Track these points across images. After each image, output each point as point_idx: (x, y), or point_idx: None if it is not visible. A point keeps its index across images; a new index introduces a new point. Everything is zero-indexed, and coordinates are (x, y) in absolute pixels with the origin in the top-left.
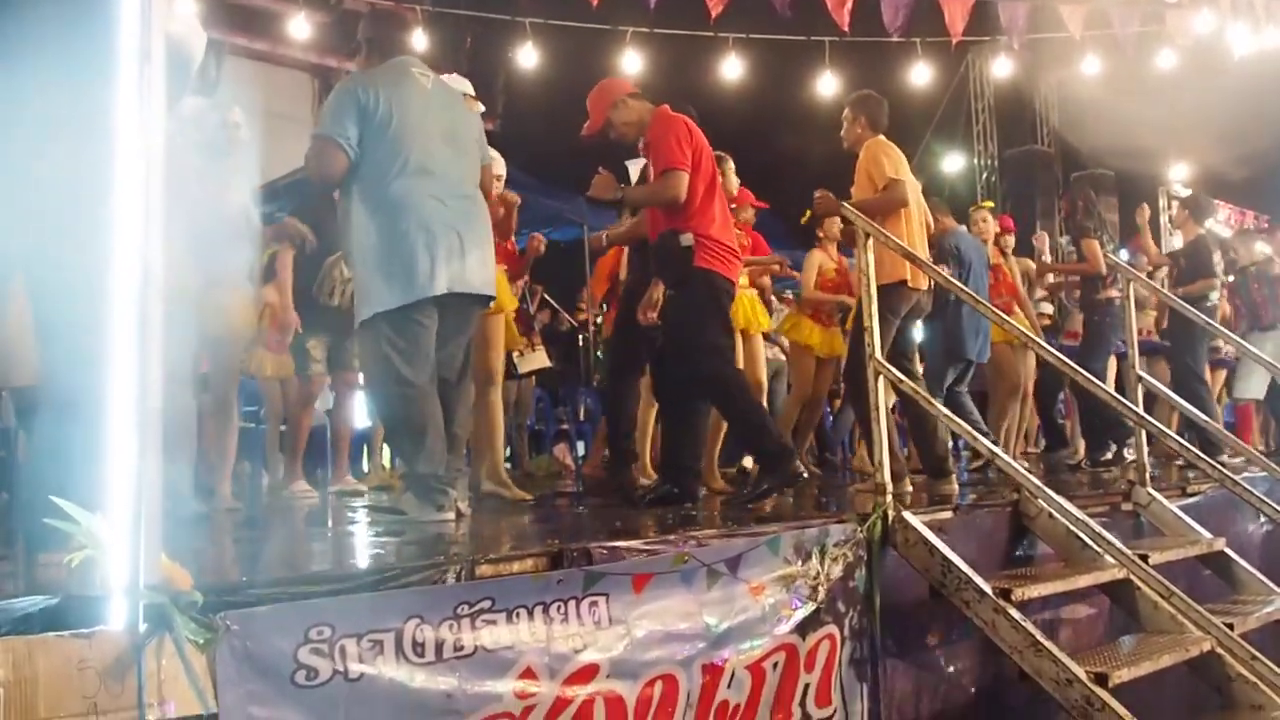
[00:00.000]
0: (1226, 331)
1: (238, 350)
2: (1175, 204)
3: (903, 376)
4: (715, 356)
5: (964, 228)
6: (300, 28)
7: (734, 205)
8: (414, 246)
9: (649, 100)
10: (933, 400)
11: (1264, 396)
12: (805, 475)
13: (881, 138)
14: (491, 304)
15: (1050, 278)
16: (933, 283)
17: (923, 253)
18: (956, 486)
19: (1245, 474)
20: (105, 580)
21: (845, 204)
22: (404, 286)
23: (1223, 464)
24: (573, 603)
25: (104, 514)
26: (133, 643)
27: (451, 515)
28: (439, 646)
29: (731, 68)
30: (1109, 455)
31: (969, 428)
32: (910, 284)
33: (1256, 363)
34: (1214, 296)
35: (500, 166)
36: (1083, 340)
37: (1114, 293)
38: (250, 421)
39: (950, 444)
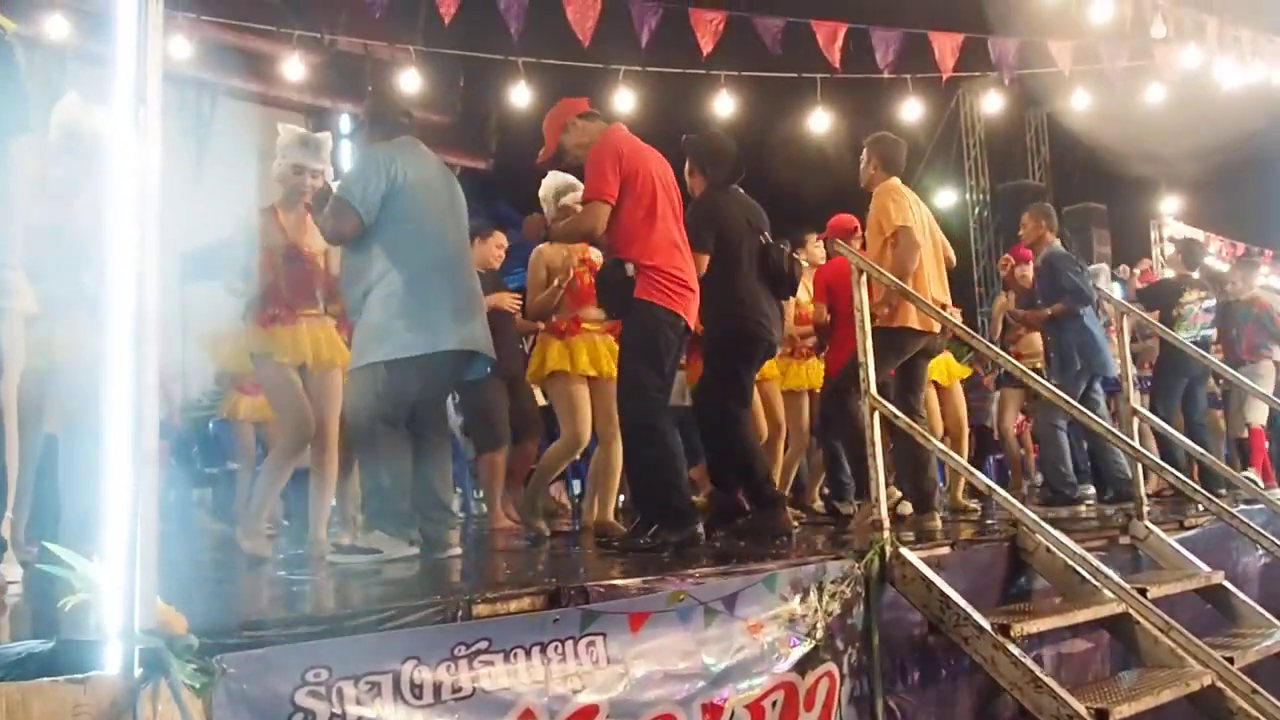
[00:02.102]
0: (1220, 365)
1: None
2: (1168, 238)
3: (897, 412)
4: (641, 399)
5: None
6: (294, 69)
7: None
8: (441, 302)
9: (603, 122)
10: (928, 436)
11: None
12: (703, 539)
13: (894, 181)
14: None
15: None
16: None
17: (938, 291)
18: (940, 522)
19: (1242, 506)
20: (100, 624)
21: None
22: (427, 337)
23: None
24: (570, 642)
25: (99, 557)
26: (128, 687)
27: (417, 550)
28: (437, 688)
29: (723, 105)
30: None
31: (964, 463)
32: (919, 328)
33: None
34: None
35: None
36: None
37: None
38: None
39: (939, 480)
